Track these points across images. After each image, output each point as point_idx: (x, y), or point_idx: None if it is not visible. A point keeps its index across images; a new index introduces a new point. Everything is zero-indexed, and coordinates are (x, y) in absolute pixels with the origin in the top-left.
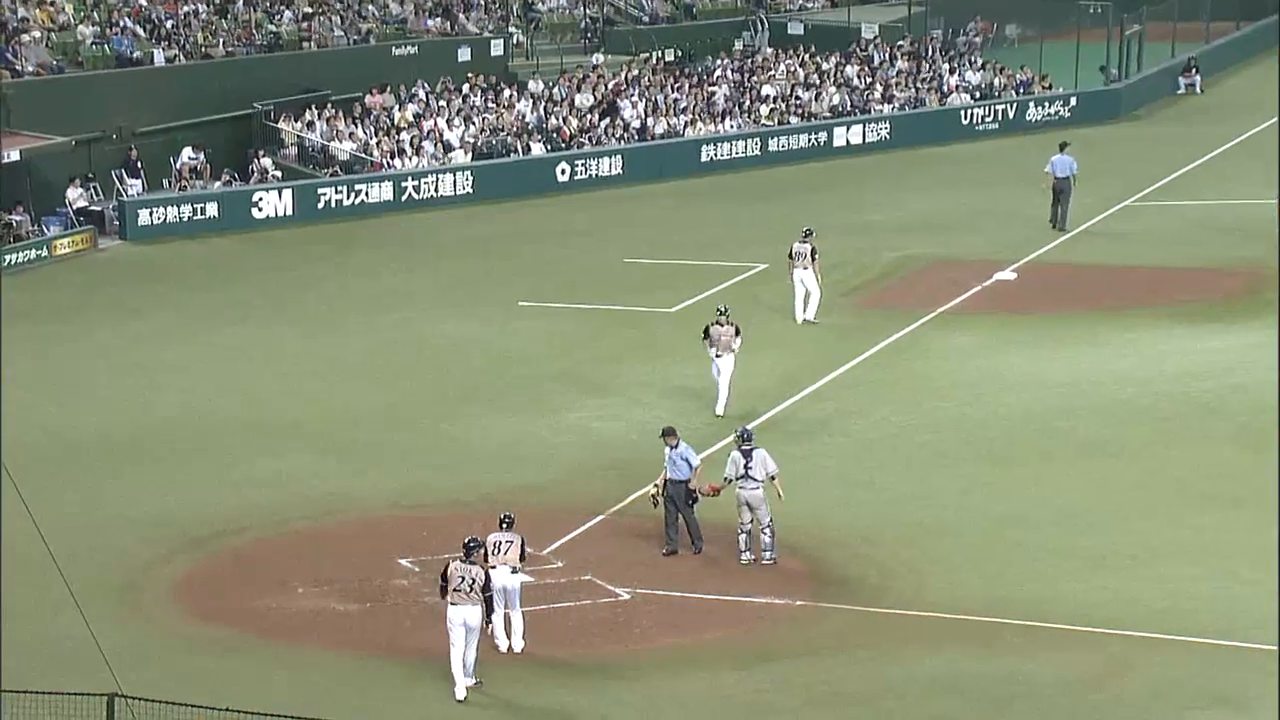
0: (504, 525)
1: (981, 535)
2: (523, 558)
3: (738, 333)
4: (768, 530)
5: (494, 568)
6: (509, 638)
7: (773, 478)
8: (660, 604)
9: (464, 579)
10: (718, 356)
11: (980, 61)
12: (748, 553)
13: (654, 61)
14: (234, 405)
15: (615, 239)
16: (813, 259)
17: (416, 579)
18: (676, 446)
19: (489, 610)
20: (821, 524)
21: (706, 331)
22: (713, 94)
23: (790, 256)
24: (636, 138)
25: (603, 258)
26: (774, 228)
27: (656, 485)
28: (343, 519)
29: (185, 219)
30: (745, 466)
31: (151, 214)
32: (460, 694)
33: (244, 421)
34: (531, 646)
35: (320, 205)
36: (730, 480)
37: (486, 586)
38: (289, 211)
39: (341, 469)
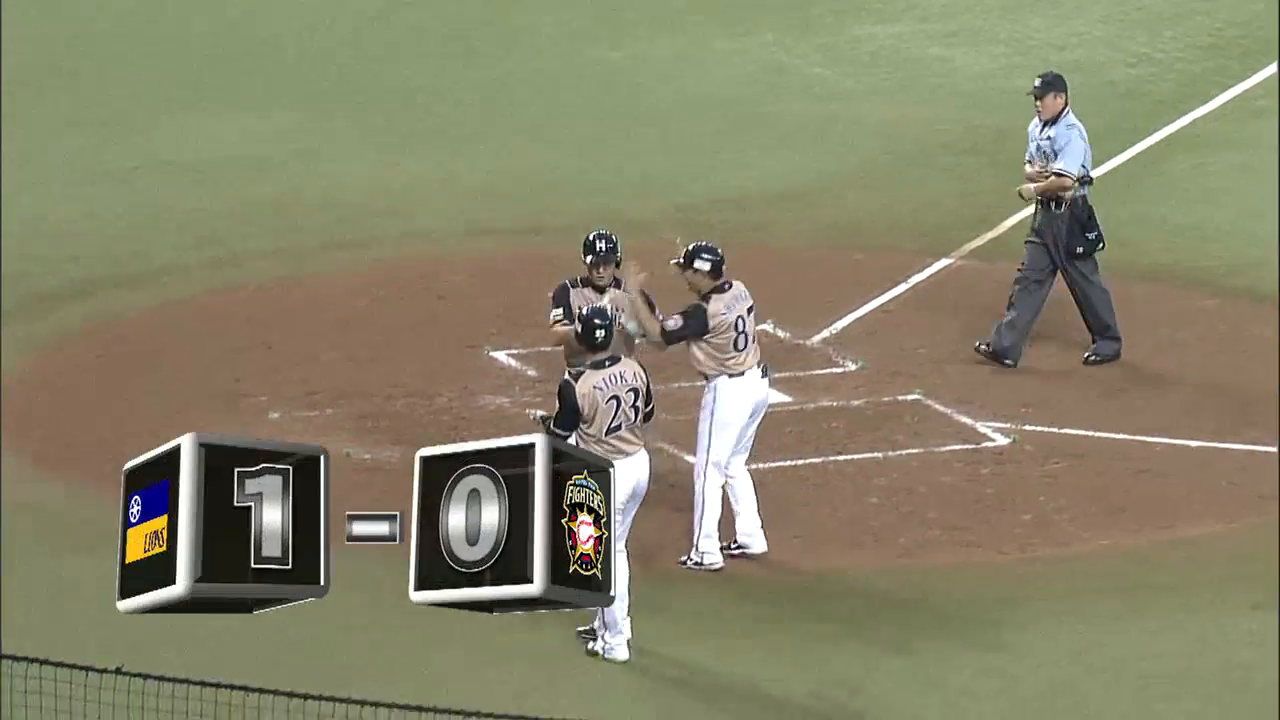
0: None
1: None
2: None
3: (650, 305)
4: None
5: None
6: (737, 530)
7: None
8: (1085, 457)
9: (618, 403)
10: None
11: None
12: None
13: None
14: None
15: None
16: None
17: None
18: None
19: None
20: None
21: (563, 302)
22: None
23: None
24: None
25: None
26: None
27: None
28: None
29: None
30: None
31: None
32: (621, 651)
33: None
34: (778, 550)
35: None
36: None
37: (648, 395)
38: None
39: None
